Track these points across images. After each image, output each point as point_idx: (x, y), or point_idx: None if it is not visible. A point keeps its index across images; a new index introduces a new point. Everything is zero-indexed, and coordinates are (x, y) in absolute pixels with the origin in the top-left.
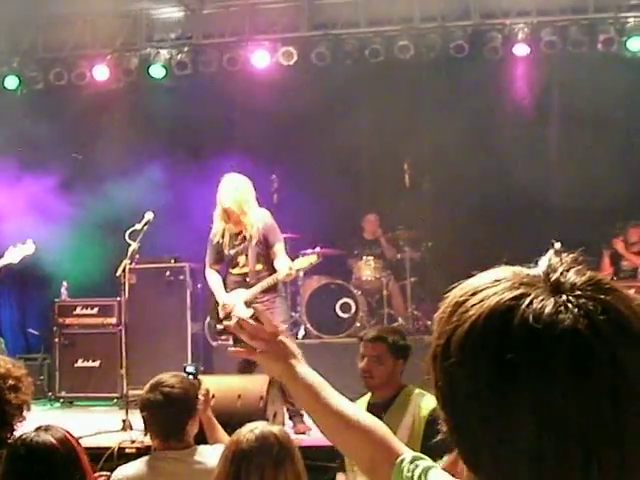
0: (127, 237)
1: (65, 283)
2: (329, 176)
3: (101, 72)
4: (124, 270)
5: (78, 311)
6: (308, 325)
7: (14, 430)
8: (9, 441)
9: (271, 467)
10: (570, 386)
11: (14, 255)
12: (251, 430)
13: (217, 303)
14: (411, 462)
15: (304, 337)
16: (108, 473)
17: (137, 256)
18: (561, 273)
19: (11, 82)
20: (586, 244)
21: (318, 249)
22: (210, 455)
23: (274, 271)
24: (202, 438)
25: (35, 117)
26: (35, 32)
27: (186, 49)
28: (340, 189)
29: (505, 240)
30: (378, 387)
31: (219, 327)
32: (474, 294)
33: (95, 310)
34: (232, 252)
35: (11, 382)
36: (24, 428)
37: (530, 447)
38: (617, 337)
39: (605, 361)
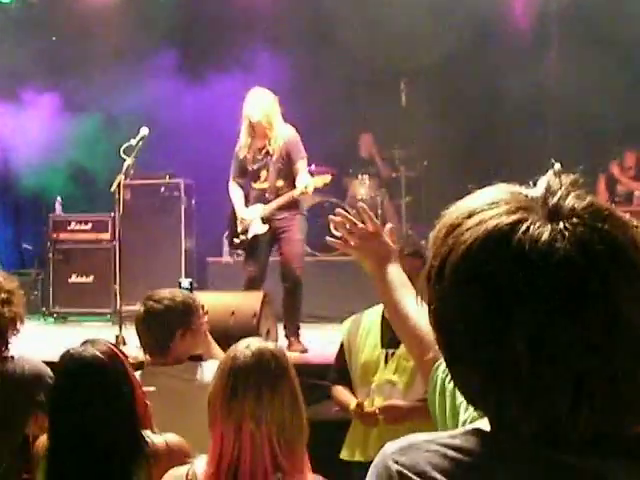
0: (122, 152)
1: (59, 198)
2: (324, 93)
3: None
4: (118, 186)
5: (72, 226)
6: None
7: (8, 343)
8: (7, 355)
9: (268, 383)
10: (563, 317)
11: None
12: (247, 346)
13: (236, 217)
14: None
15: None
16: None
17: (132, 172)
18: (560, 197)
19: None
20: (582, 167)
21: (313, 167)
22: (205, 371)
23: (295, 188)
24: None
25: (30, 29)
26: None
27: None
28: (336, 107)
29: (502, 159)
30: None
31: (236, 241)
32: (470, 216)
33: (89, 225)
34: (255, 166)
35: (3, 295)
36: (18, 341)
37: (520, 376)
38: (613, 267)
39: (599, 292)
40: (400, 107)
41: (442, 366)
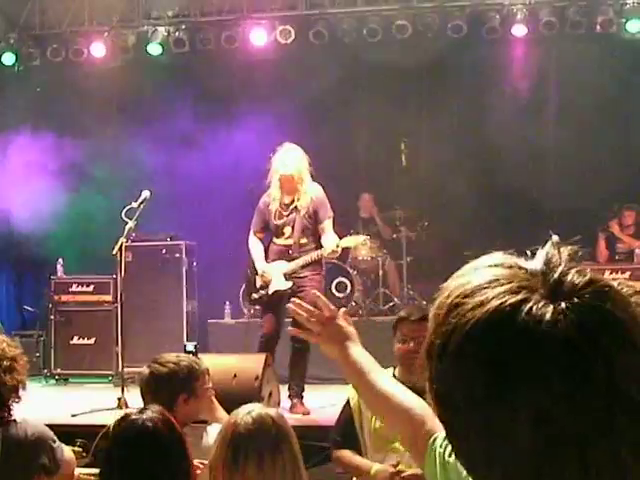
0: (123, 215)
1: (61, 260)
2: (326, 155)
3: (98, 49)
4: (120, 248)
5: (74, 288)
6: None
7: (10, 410)
8: (10, 419)
9: (269, 450)
10: (567, 394)
11: None
12: (248, 412)
13: (255, 271)
14: (444, 439)
15: None
16: None
17: (133, 234)
18: (560, 274)
19: (8, 58)
20: (581, 227)
21: (361, 237)
22: (209, 434)
23: (319, 246)
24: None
25: (32, 93)
26: (32, 8)
27: (184, 27)
28: (337, 168)
29: (500, 220)
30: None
31: (254, 296)
32: (472, 295)
33: (91, 287)
34: (279, 222)
35: (6, 363)
36: (20, 407)
37: (525, 450)
38: (614, 347)
39: (601, 371)
40: (400, 167)
41: (439, 439)
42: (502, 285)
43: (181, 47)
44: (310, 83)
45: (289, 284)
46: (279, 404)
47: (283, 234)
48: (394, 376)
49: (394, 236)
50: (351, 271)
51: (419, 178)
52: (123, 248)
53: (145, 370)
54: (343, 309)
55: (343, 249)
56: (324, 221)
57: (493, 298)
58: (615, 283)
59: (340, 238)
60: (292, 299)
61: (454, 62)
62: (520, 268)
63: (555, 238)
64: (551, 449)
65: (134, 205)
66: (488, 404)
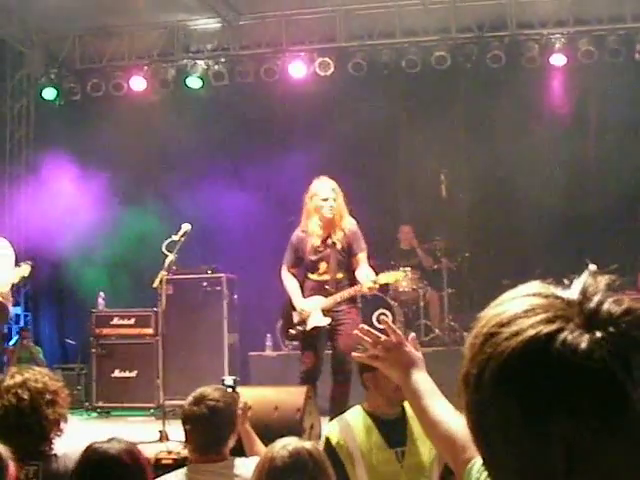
0: (164, 248)
1: (102, 293)
2: (366, 187)
3: (138, 83)
4: (161, 281)
5: (115, 321)
6: None
7: (52, 443)
8: (51, 453)
9: None
10: (602, 430)
11: (13, 276)
12: (284, 446)
13: (292, 307)
14: (482, 465)
15: None
16: None
17: (174, 267)
18: (597, 303)
19: (49, 93)
20: (622, 262)
21: (400, 272)
22: (248, 467)
23: (354, 280)
24: (240, 450)
25: (73, 127)
26: (72, 44)
27: (223, 60)
28: (377, 200)
29: (541, 250)
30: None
31: (291, 332)
32: (507, 324)
33: (132, 321)
34: (315, 257)
35: (48, 397)
36: (61, 440)
37: (552, 478)
38: None
39: (637, 401)
40: (440, 198)
41: (476, 465)
42: (538, 314)
43: (220, 80)
44: (349, 115)
45: (327, 320)
46: (320, 437)
47: (318, 269)
48: (365, 410)
49: (435, 267)
50: (392, 302)
51: (459, 209)
52: (164, 281)
53: (193, 407)
54: (413, 334)
55: (381, 285)
56: (358, 254)
57: (529, 327)
58: None
59: (379, 271)
60: (336, 330)
61: (493, 92)
62: (557, 298)
63: (592, 267)
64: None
65: (175, 238)
66: (522, 435)
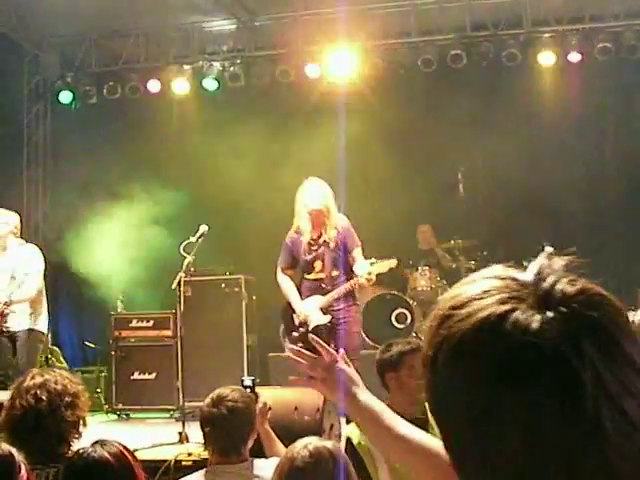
0: (182, 250)
1: (121, 296)
2: (383, 186)
3: (154, 85)
4: (179, 283)
5: (134, 324)
6: (364, 335)
7: (71, 446)
8: (67, 455)
9: None
10: (553, 406)
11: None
12: (305, 446)
13: (291, 309)
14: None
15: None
16: None
17: (192, 269)
18: (551, 283)
19: (65, 97)
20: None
21: (373, 260)
22: (268, 468)
23: (350, 277)
24: (259, 451)
25: (89, 131)
26: (88, 46)
27: (238, 61)
28: (395, 200)
29: (560, 248)
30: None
31: (294, 334)
32: (462, 306)
33: (151, 323)
34: (309, 257)
35: (68, 399)
36: (82, 442)
37: (513, 462)
38: (601, 358)
39: (589, 383)
40: (458, 197)
41: None
42: (492, 296)
43: (236, 81)
44: (366, 114)
45: (328, 317)
46: (340, 437)
47: (314, 269)
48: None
49: (453, 266)
50: (411, 302)
51: (477, 207)
52: (182, 283)
53: (212, 409)
54: (342, 351)
55: (377, 275)
56: (353, 250)
57: (481, 309)
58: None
59: (404, 268)
60: (336, 329)
61: (509, 90)
62: (513, 279)
63: (549, 249)
64: (540, 463)
65: (192, 240)
66: (477, 416)
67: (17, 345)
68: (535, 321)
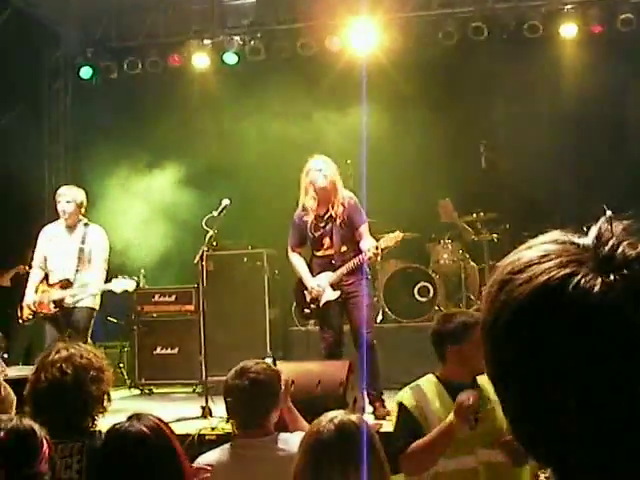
0: (204, 224)
1: (142, 270)
2: (405, 160)
3: (175, 60)
4: (202, 257)
5: (156, 298)
6: (386, 309)
7: (95, 420)
8: (94, 430)
9: (353, 457)
10: (617, 368)
11: (117, 286)
12: (330, 420)
13: (303, 287)
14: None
15: (382, 321)
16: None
17: (214, 243)
18: (611, 247)
19: (85, 72)
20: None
21: (397, 233)
22: (293, 442)
23: (359, 252)
24: (283, 427)
25: (110, 106)
26: (108, 22)
27: (259, 35)
28: (416, 172)
29: (584, 219)
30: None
31: (306, 311)
32: (521, 271)
33: (173, 297)
34: (317, 234)
35: (93, 373)
36: (105, 418)
37: (575, 424)
38: None
39: None
40: (480, 170)
41: None
42: (551, 260)
43: (257, 55)
44: (387, 87)
45: (337, 293)
46: (364, 410)
47: (322, 245)
48: (438, 378)
49: (475, 238)
50: (433, 275)
51: (499, 180)
52: (204, 257)
53: (235, 381)
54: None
55: (383, 249)
56: (360, 226)
57: (541, 273)
58: None
59: (426, 242)
60: (348, 303)
61: (531, 62)
62: (572, 244)
63: (609, 213)
64: (602, 424)
65: (214, 214)
66: (539, 379)
67: (72, 320)
68: (597, 284)
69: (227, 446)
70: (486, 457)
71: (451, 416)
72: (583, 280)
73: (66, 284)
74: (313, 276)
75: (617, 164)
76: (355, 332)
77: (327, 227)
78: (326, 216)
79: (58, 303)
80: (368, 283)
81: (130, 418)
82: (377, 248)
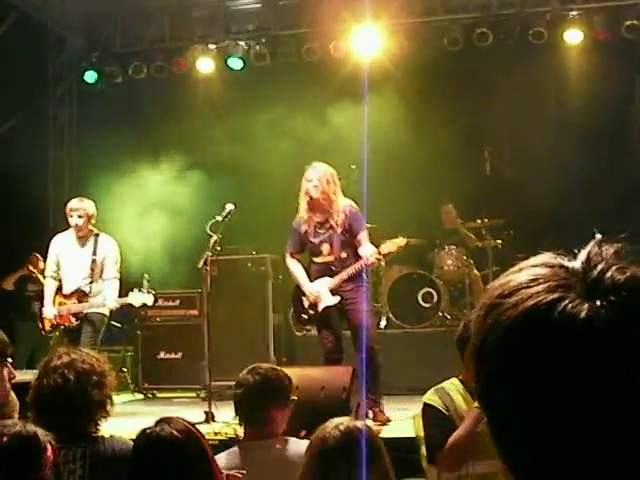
0: (208, 229)
1: (146, 275)
2: (409, 166)
3: (180, 65)
4: (205, 262)
5: (160, 303)
6: (390, 315)
7: (98, 425)
8: (97, 435)
9: (359, 465)
10: (604, 395)
11: (135, 299)
12: (336, 426)
13: (300, 292)
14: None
15: (386, 327)
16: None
17: (218, 248)
18: (600, 271)
19: (90, 77)
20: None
21: (400, 239)
22: (299, 446)
23: (358, 258)
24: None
25: (115, 111)
26: (113, 26)
27: (264, 40)
28: (420, 178)
29: (588, 227)
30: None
31: (304, 317)
32: (510, 295)
33: (177, 302)
34: (316, 240)
35: (95, 378)
36: (107, 422)
37: (561, 450)
38: None
39: (637, 375)
40: (485, 176)
41: None
42: (540, 284)
43: (262, 60)
44: (392, 93)
45: (337, 299)
46: (367, 416)
47: (321, 252)
48: (461, 381)
49: (479, 245)
50: (437, 281)
51: (504, 187)
52: (208, 262)
53: (241, 378)
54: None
55: (385, 254)
56: (359, 233)
57: (529, 297)
58: None
59: (430, 248)
60: (347, 309)
61: (535, 68)
62: (561, 267)
63: (599, 236)
64: (594, 448)
65: (218, 219)
66: (525, 405)
67: (84, 325)
68: (583, 310)
69: (234, 450)
70: None
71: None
72: (570, 305)
73: (82, 296)
74: (311, 282)
75: (622, 171)
76: (355, 337)
77: (327, 234)
78: (325, 224)
79: (78, 316)
80: (367, 290)
81: (159, 422)
82: (379, 253)
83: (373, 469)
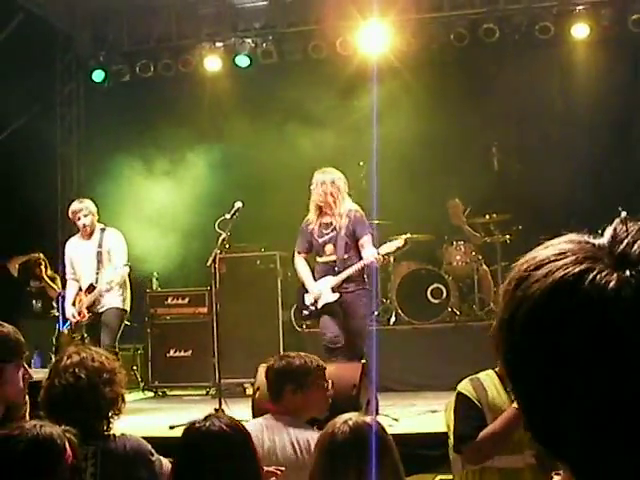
0: (216, 227)
1: (155, 273)
2: (417, 162)
3: (187, 63)
4: (214, 260)
5: (169, 301)
6: (399, 311)
7: (110, 423)
8: (109, 433)
9: (368, 460)
10: (630, 367)
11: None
12: (345, 422)
13: (305, 290)
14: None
15: (395, 323)
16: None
17: (227, 245)
18: (626, 245)
19: (98, 75)
20: None
21: (408, 235)
22: (310, 439)
23: (361, 260)
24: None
25: (122, 109)
26: (120, 25)
27: (270, 38)
28: (428, 174)
29: (597, 220)
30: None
31: (305, 312)
32: (538, 268)
33: (186, 300)
34: (320, 240)
35: (105, 376)
36: (118, 420)
37: (585, 422)
38: None
39: None
40: (493, 172)
41: None
42: (567, 257)
43: (269, 58)
44: (399, 89)
45: (336, 296)
46: (377, 412)
47: (325, 252)
48: (496, 373)
49: (488, 240)
50: (446, 277)
51: (511, 181)
52: (217, 260)
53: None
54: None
55: (384, 255)
56: (362, 237)
57: (558, 269)
58: None
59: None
60: (345, 309)
61: (542, 63)
62: (588, 243)
63: (624, 214)
64: (621, 420)
65: (227, 216)
66: (555, 377)
67: (102, 321)
68: (612, 280)
69: (261, 419)
70: (533, 459)
71: (515, 404)
72: (599, 276)
73: (92, 289)
74: (316, 281)
75: (630, 164)
76: (348, 341)
77: (331, 235)
78: (330, 225)
79: (90, 309)
80: (367, 293)
81: (208, 417)
82: (378, 254)
83: (382, 464)
